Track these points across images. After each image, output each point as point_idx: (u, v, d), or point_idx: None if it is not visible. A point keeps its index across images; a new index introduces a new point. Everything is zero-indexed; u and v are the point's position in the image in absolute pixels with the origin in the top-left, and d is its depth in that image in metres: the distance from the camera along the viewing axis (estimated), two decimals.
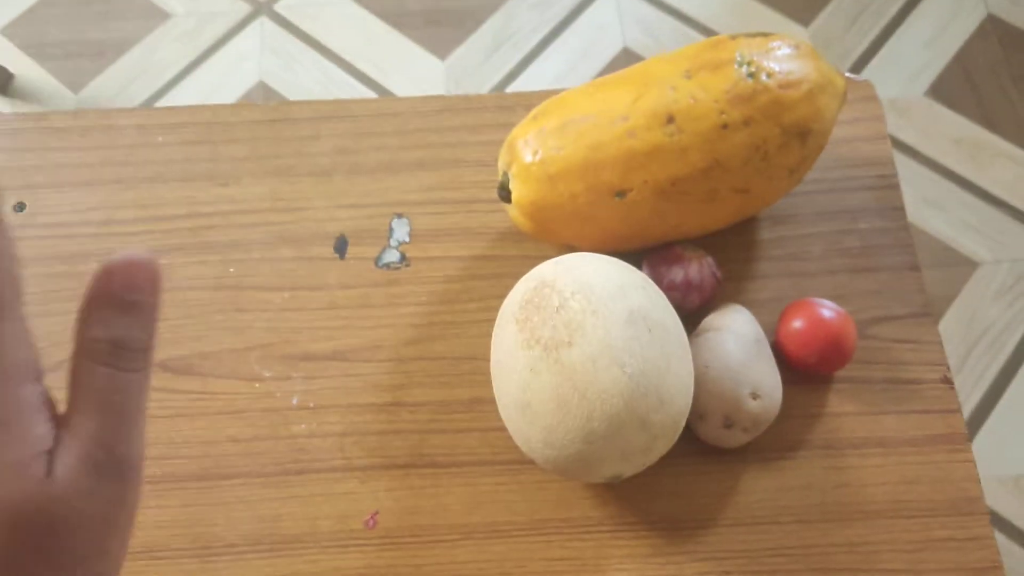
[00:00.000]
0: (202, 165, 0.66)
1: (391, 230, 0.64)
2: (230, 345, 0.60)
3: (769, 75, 0.55)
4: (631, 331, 0.49)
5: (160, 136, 0.67)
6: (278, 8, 1.66)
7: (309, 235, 0.64)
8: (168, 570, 0.54)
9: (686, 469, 0.56)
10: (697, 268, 0.58)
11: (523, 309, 0.51)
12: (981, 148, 1.50)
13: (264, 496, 0.56)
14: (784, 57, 0.56)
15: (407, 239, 0.63)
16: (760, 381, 0.54)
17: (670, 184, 0.55)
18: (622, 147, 0.54)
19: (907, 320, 0.60)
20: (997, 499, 1.25)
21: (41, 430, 0.26)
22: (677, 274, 0.57)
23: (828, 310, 0.56)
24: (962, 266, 1.40)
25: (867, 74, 1.57)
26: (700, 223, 0.57)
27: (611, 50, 1.60)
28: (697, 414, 0.54)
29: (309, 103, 0.69)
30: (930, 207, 1.45)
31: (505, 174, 0.58)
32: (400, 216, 0.64)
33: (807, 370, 0.57)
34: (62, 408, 0.28)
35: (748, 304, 0.61)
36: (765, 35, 0.57)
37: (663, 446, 0.50)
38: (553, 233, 0.58)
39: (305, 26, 1.64)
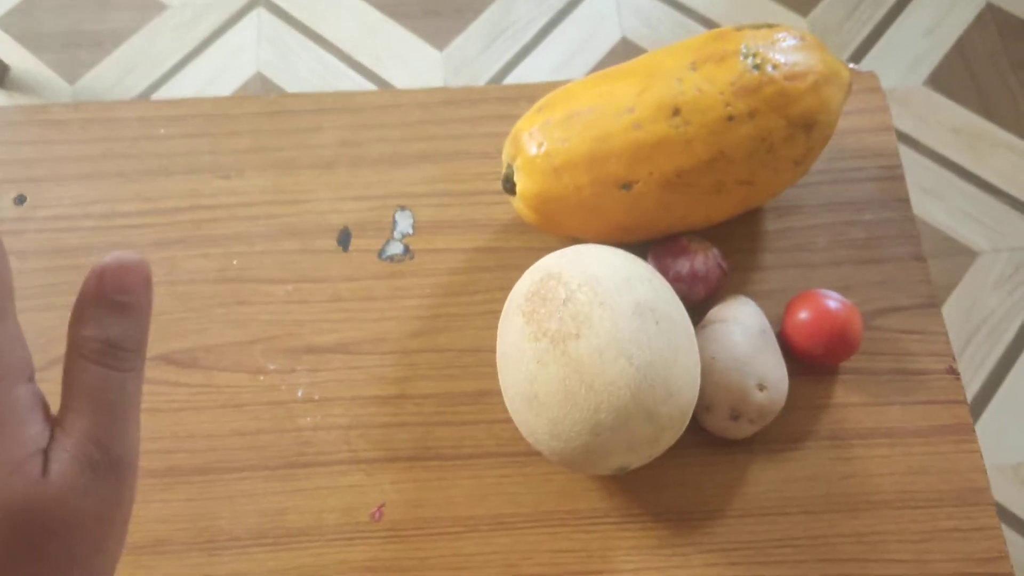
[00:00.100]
0: (204, 158, 0.66)
1: (394, 222, 0.63)
2: (233, 338, 0.60)
3: (775, 67, 0.55)
4: (638, 323, 0.48)
5: (162, 128, 0.67)
6: None
7: (312, 227, 0.63)
8: (173, 564, 0.54)
9: (692, 460, 0.56)
10: (703, 259, 0.57)
11: (529, 301, 0.50)
12: (980, 137, 1.49)
13: (269, 489, 0.56)
14: (789, 48, 0.56)
15: (411, 231, 0.63)
16: (766, 372, 0.54)
17: (676, 176, 0.54)
18: (628, 139, 0.54)
19: (913, 311, 0.59)
20: (996, 487, 1.25)
21: (35, 430, 0.26)
22: (683, 266, 0.57)
23: (834, 301, 0.56)
24: (961, 255, 1.40)
25: (866, 64, 1.57)
26: (705, 215, 0.57)
27: (609, 40, 1.60)
28: (703, 405, 0.54)
29: (311, 95, 0.69)
30: (929, 197, 1.45)
31: (509, 166, 0.58)
32: (403, 208, 0.64)
33: (813, 361, 0.57)
34: (56, 408, 0.28)
35: (753, 295, 0.60)
36: (770, 26, 0.57)
37: (670, 438, 0.50)
38: (558, 225, 0.58)
39: (302, 16, 1.63)
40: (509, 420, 0.57)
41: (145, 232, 0.63)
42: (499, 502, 0.55)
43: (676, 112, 0.54)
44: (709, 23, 1.60)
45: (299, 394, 0.58)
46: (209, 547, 0.54)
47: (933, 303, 0.60)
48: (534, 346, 0.49)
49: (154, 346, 0.60)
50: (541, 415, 0.49)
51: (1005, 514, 1.24)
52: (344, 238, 0.63)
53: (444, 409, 0.58)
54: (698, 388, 0.52)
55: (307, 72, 1.58)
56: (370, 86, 1.56)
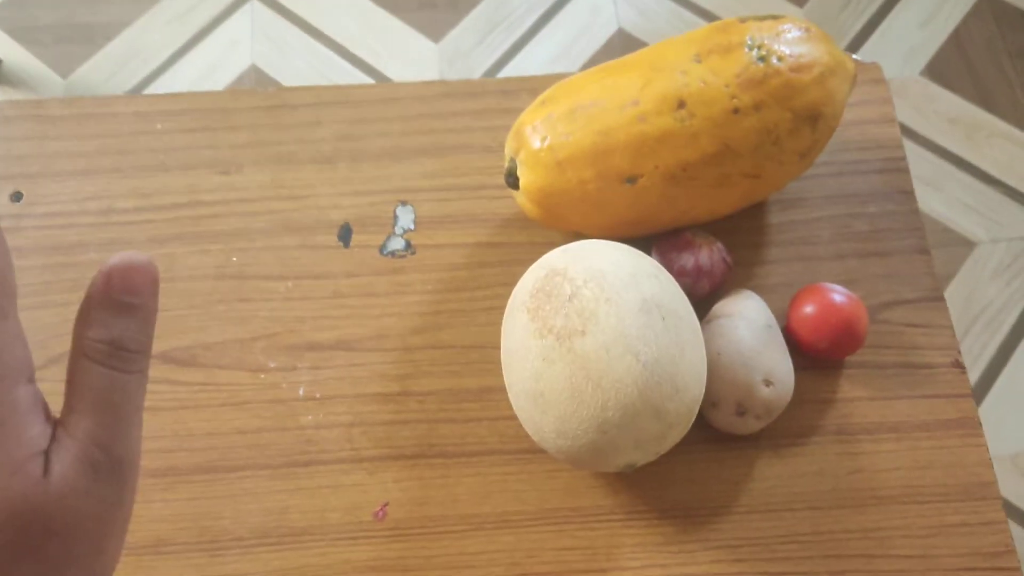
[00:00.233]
0: (202, 152, 0.65)
1: (395, 217, 0.63)
2: (234, 335, 0.59)
3: (780, 59, 0.54)
4: (644, 319, 0.48)
5: (159, 123, 0.66)
6: None
7: (312, 223, 0.63)
8: (176, 564, 0.53)
9: (698, 456, 0.55)
10: (707, 254, 0.57)
11: (534, 298, 0.50)
12: (977, 128, 1.49)
13: (271, 488, 0.55)
14: (794, 40, 0.55)
15: (412, 226, 0.63)
16: (772, 368, 0.53)
17: (680, 169, 0.54)
18: (632, 132, 0.54)
19: (918, 304, 0.59)
20: None
21: (36, 430, 0.26)
22: (687, 260, 0.57)
23: (839, 295, 0.56)
24: (959, 246, 1.40)
25: (863, 54, 1.56)
26: (710, 208, 0.57)
27: (606, 31, 1.59)
28: (709, 401, 0.54)
29: (309, 89, 0.68)
30: (927, 187, 1.45)
31: (512, 160, 0.57)
32: (404, 203, 0.63)
33: (819, 356, 0.56)
34: (58, 407, 0.28)
35: (758, 289, 0.60)
36: (775, 18, 0.56)
37: (677, 434, 0.50)
38: (561, 220, 0.57)
39: (297, 8, 1.62)
40: (513, 417, 0.57)
41: (143, 228, 0.63)
42: (503, 500, 0.55)
43: (681, 105, 0.54)
44: (706, 14, 1.60)
45: (300, 392, 0.58)
46: (211, 547, 0.54)
47: (938, 296, 0.59)
48: (540, 343, 0.49)
49: (154, 344, 0.59)
50: (547, 413, 0.49)
51: (1005, 505, 1.24)
52: (345, 234, 0.62)
53: (447, 406, 0.57)
54: (704, 384, 0.51)
55: (302, 65, 1.57)
56: (366, 78, 1.55)
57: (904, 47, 1.57)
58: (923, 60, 1.56)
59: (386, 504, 0.55)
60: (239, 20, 1.61)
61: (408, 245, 0.62)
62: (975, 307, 1.36)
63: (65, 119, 0.67)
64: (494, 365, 0.58)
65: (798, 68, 0.54)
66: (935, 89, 1.53)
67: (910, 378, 0.57)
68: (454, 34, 1.59)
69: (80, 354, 0.27)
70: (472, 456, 0.56)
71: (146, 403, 0.57)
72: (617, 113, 0.54)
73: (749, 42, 0.55)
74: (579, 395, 0.47)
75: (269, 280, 0.61)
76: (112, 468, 0.27)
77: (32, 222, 0.63)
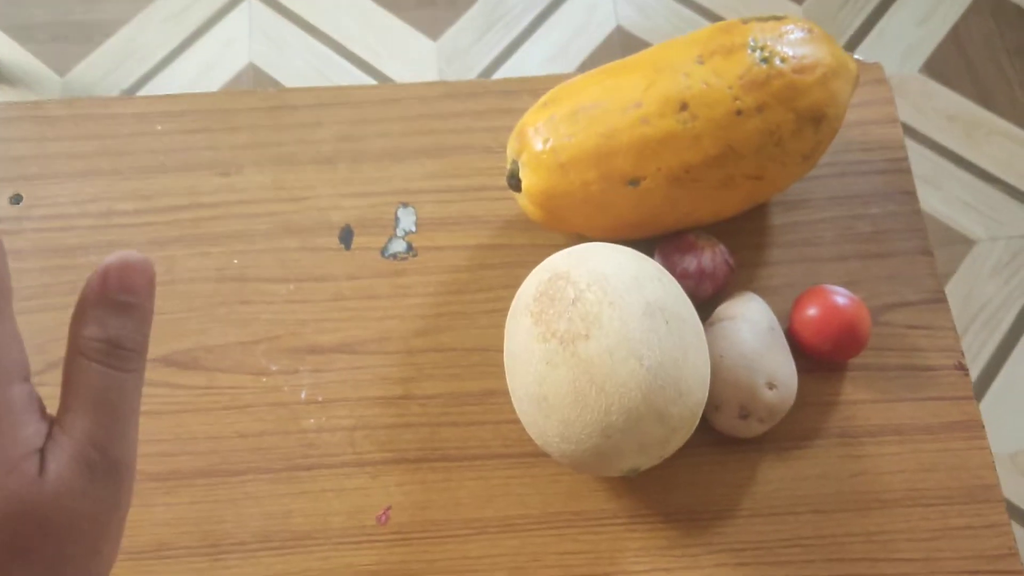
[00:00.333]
0: (202, 154, 0.65)
1: (397, 219, 0.63)
2: (235, 338, 0.59)
3: (783, 60, 0.54)
4: (648, 323, 0.48)
5: (158, 124, 0.66)
6: None
7: (313, 225, 0.62)
8: (177, 569, 0.53)
9: (701, 460, 0.55)
10: (710, 256, 0.57)
11: (537, 301, 0.50)
12: (976, 125, 1.49)
13: (273, 492, 0.55)
14: (797, 41, 0.55)
15: (413, 228, 0.62)
16: (776, 371, 0.53)
17: (684, 171, 0.54)
18: (635, 134, 0.53)
19: (920, 306, 0.59)
20: None
21: (31, 429, 0.26)
22: (690, 263, 0.57)
23: (842, 297, 0.55)
24: (958, 244, 1.40)
25: (861, 52, 1.56)
26: (713, 210, 0.56)
27: (604, 29, 1.59)
28: (712, 404, 0.54)
29: (309, 89, 0.68)
30: (925, 185, 1.44)
31: (514, 162, 0.57)
32: (406, 205, 0.63)
33: (821, 358, 0.56)
34: (54, 409, 0.28)
35: (760, 291, 0.60)
36: (777, 18, 0.56)
37: (681, 438, 0.50)
38: (564, 222, 0.57)
39: (294, 6, 1.62)
40: (515, 420, 0.56)
41: (143, 230, 0.62)
42: (506, 503, 0.55)
43: (684, 107, 0.53)
44: (705, 12, 1.60)
45: (302, 395, 0.57)
46: (213, 551, 0.54)
47: (941, 298, 0.59)
48: (543, 347, 0.48)
49: (154, 347, 0.59)
50: (551, 417, 0.49)
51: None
52: (346, 236, 0.62)
53: (449, 409, 0.57)
54: (708, 387, 0.51)
55: (301, 63, 1.56)
56: (364, 77, 1.55)
57: (902, 45, 1.57)
58: (921, 57, 1.56)
59: (389, 508, 0.55)
60: (237, 18, 1.61)
61: (409, 247, 0.62)
62: (974, 305, 1.36)
63: (64, 120, 0.66)
64: (496, 368, 0.58)
65: (801, 69, 0.54)
66: (934, 86, 1.53)
67: (913, 380, 0.57)
68: (452, 32, 1.59)
69: (76, 353, 0.27)
70: (475, 460, 0.56)
71: (147, 406, 0.57)
72: (620, 115, 0.54)
73: (752, 43, 0.55)
74: (583, 399, 0.47)
75: (270, 282, 0.61)
76: (108, 468, 0.27)
77: (31, 224, 0.63)
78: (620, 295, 0.48)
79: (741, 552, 0.53)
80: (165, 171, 0.64)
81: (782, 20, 0.56)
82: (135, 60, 1.58)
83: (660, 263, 0.58)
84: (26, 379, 0.26)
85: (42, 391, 0.57)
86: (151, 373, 0.58)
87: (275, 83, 1.54)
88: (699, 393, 0.50)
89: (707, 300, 0.58)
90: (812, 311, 0.56)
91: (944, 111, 1.51)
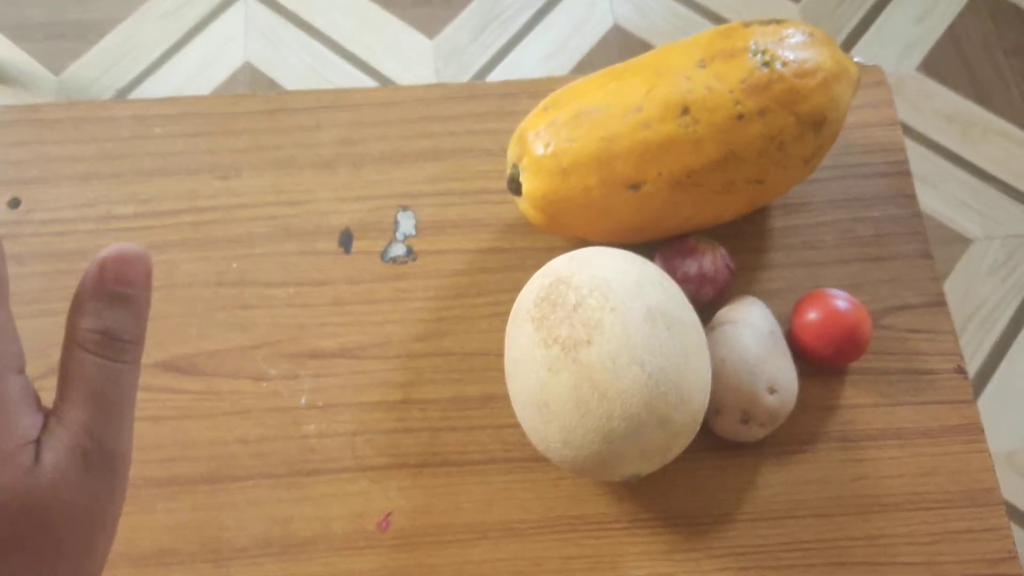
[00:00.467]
0: (201, 157, 0.65)
1: (396, 223, 0.63)
2: (235, 343, 0.59)
3: (784, 64, 0.54)
4: (650, 329, 0.48)
5: (157, 128, 0.66)
6: None
7: (313, 229, 0.62)
8: (179, 575, 0.53)
9: (702, 464, 0.55)
10: (711, 260, 0.57)
11: (539, 307, 0.50)
12: (973, 124, 1.49)
13: (275, 498, 0.55)
14: (798, 45, 0.55)
15: (413, 232, 0.62)
16: (777, 375, 0.53)
17: (685, 176, 0.54)
18: (636, 139, 0.53)
19: (921, 309, 0.59)
20: None
21: (27, 421, 0.26)
22: (691, 266, 0.57)
23: (843, 301, 0.55)
24: (955, 243, 1.41)
25: (858, 50, 1.56)
26: (714, 214, 0.56)
27: (601, 28, 1.59)
28: (713, 409, 0.54)
29: (309, 92, 0.67)
30: (922, 184, 1.45)
31: (515, 166, 0.57)
32: (405, 208, 0.63)
33: (822, 362, 0.56)
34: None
35: (761, 294, 0.60)
36: (778, 22, 0.56)
37: (682, 444, 0.50)
38: (565, 226, 0.57)
39: (290, 4, 1.61)
40: (516, 425, 0.56)
41: (143, 235, 0.62)
42: (508, 508, 0.55)
43: (685, 111, 0.53)
44: (703, 10, 1.59)
45: (303, 400, 0.57)
46: (215, 557, 0.54)
47: (941, 301, 0.59)
48: (545, 353, 0.48)
49: (154, 352, 0.59)
50: (552, 423, 0.49)
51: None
52: (346, 239, 0.62)
53: (450, 414, 0.57)
54: (709, 392, 0.51)
55: (297, 62, 1.56)
56: (361, 75, 1.54)
57: (900, 43, 1.57)
58: (919, 56, 1.56)
59: (390, 513, 0.55)
60: (233, 16, 1.60)
61: (409, 251, 0.62)
62: (970, 304, 1.36)
63: (62, 124, 0.66)
64: (497, 372, 0.58)
65: (802, 73, 0.54)
66: (931, 85, 1.53)
67: (913, 384, 0.57)
68: (449, 30, 1.59)
69: (73, 344, 0.27)
70: (476, 464, 0.56)
71: (148, 412, 0.57)
72: (621, 119, 0.54)
73: (753, 47, 0.54)
74: (584, 405, 0.47)
75: (270, 287, 0.61)
76: (104, 459, 0.27)
77: (30, 229, 0.62)
78: (622, 301, 0.48)
79: (742, 556, 0.53)
80: (164, 175, 0.64)
81: (783, 24, 0.56)
82: (131, 59, 1.57)
83: (660, 267, 0.58)
84: (21, 371, 0.26)
85: (42, 395, 0.57)
86: (151, 379, 0.58)
87: (271, 81, 1.54)
88: (701, 398, 0.50)
89: (708, 304, 0.58)
90: (813, 315, 0.56)
91: (941, 110, 1.51)
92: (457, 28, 1.59)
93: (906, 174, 0.63)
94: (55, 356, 0.59)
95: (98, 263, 0.27)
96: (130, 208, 0.63)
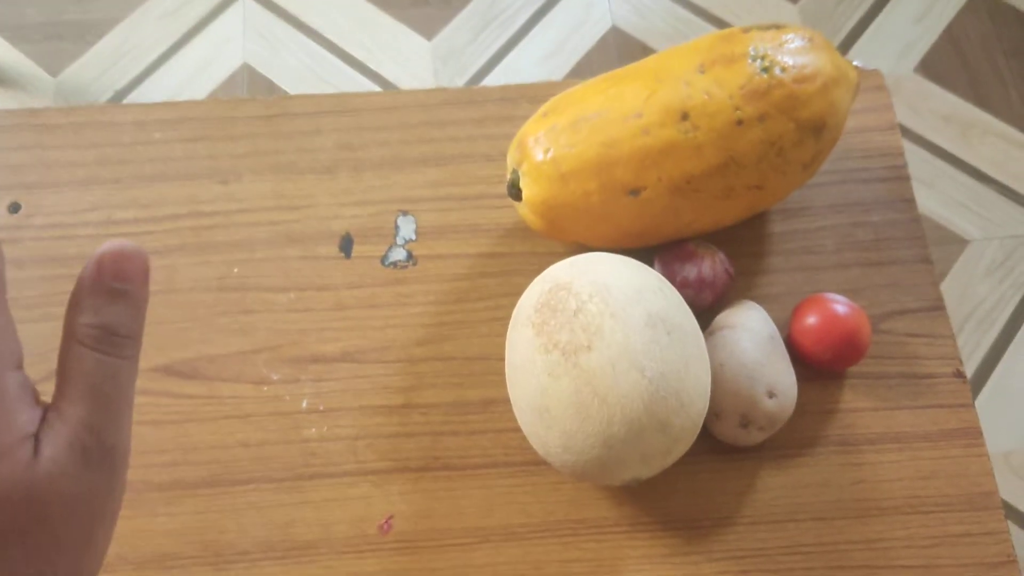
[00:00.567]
0: (202, 162, 0.65)
1: (397, 228, 0.63)
2: (236, 348, 0.59)
3: (783, 69, 0.54)
4: (650, 334, 0.48)
5: (157, 132, 0.66)
6: None
7: (314, 234, 0.62)
8: None
9: (702, 468, 0.56)
10: (710, 265, 0.57)
11: (539, 312, 0.50)
12: (971, 125, 1.50)
13: (276, 502, 0.55)
14: (798, 50, 0.55)
15: (413, 237, 0.62)
16: (776, 379, 0.54)
17: (685, 182, 0.54)
18: (636, 144, 0.54)
19: (920, 314, 0.59)
20: None
21: (25, 416, 0.26)
22: (690, 271, 0.57)
23: (842, 306, 0.56)
24: (952, 244, 1.41)
25: (856, 50, 1.56)
26: (714, 220, 0.57)
27: (599, 29, 1.59)
28: (713, 413, 0.54)
29: (309, 97, 0.67)
30: (920, 185, 1.45)
31: (515, 171, 0.57)
32: (405, 213, 0.63)
33: (821, 367, 0.57)
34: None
35: (760, 299, 0.60)
36: (778, 27, 0.56)
37: (682, 448, 0.50)
38: (564, 231, 0.57)
39: (288, 5, 1.61)
40: (517, 429, 0.57)
41: (143, 239, 0.62)
42: (509, 512, 0.55)
43: (685, 117, 0.54)
44: (700, 11, 1.60)
45: (304, 404, 0.58)
46: (217, 561, 0.54)
47: (940, 306, 0.60)
48: (545, 358, 0.49)
49: (155, 357, 0.59)
50: (553, 428, 0.49)
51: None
52: (346, 244, 0.62)
53: (451, 418, 0.57)
54: (709, 397, 0.51)
55: (295, 63, 1.56)
56: (359, 76, 1.54)
57: (898, 43, 1.57)
58: (917, 56, 1.56)
59: (391, 517, 0.55)
60: (231, 17, 1.60)
61: (410, 256, 0.62)
62: (968, 305, 1.37)
63: (62, 128, 0.66)
64: (497, 376, 0.58)
65: (801, 79, 0.54)
66: (929, 86, 1.53)
67: (912, 388, 0.57)
68: (447, 31, 1.59)
69: (72, 340, 0.27)
70: (477, 468, 0.56)
71: (149, 416, 0.57)
72: (620, 125, 0.54)
73: (752, 52, 0.55)
74: (585, 410, 0.47)
75: (271, 291, 0.61)
76: (103, 453, 0.27)
77: (30, 233, 0.62)
78: (622, 306, 0.48)
79: (742, 560, 0.53)
80: (164, 179, 0.64)
81: (782, 29, 0.56)
82: (129, 60, 1.57)
83: (660, 272, 0.58)
84: (19, 367, 0.27)
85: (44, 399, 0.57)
86: (153, 383, 0.58)
87: (269, 83, 1.54)
88: (700, 403, 0.50)
89: (707, 308, 0.58)
90: (812, 320, 0.56)
91: (939, 111, 1.51)
92: (455, 29, 1.59)
93: (905, 179, 0.63)
94: (55, 361, 0.59)
95: (96, 259, 0.27)
96: (130, 213, 0.63)
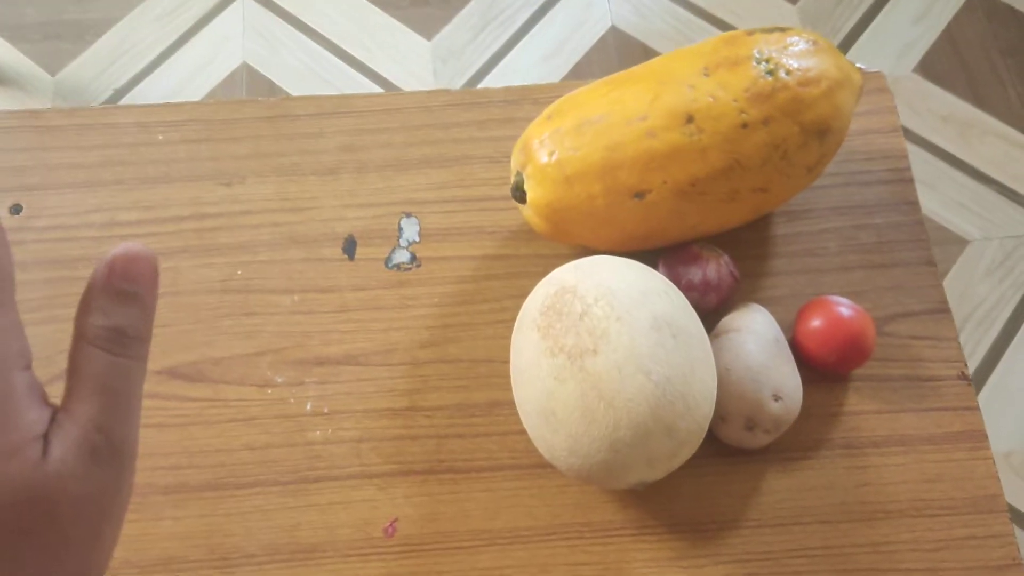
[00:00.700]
0: (205, 164, 0.65)
1: (400, 230, 0.63)
2: (241, 350, 0.59)
3: (788, 72, 0.54)
4: (656, 337, 0.48)
5: (160, 134, 0.66)
6: None
7: (317, 236, 0.62)
8: None
9: (707, 471, 0.56)
10: (715, 268, 0.57)
11: (545, 316, 0.50)
12: (970, 125, 1.50)
13: (281, 505, 0.55)
14: (802, 53, 0.55)
15: (417, 239, 0.62)
16: (781, 382, 0.54)
17: (690, 185, 0.54)
18: (641, 147, 0.54)
19: (924, 316, 0.59)
20: None
21: (34, 415, 0.26)
22: (695, 274, 0.57)
23: (846, 308, 0.56)
24: (952, 244, 1.41)
25: (856, 51, 1.56)
26: (719, 222, 0.57)
27: (599, 28, 1.59)
28: (718, 416, 0.54)
29: (311, 98, 0.67)
30: (919, 185, 1.45)
31: (519, 174, 0.57)
32: (409, 215, 0.63)
33: (826, 369, 0.57)
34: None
35: (764, 301, 0.60)
36: (782, 30, 0.56)
37: (688, 452, 0.50)
38: (569, 234, 0.57)
39: (288, 5, 1.61)
40: (522, 432, 0.57)
41: (147, 241, 0.62)
42: (514, 515, 0.55)
43: (689, 120, 0.53)
44: (699, 11, 1.60)
45: (308, 407, 0.57)
46: (222, 564, 0.54)
47: (944, 308, 0.60)
48: (551, 362, 0.49)
49: (159, 359, 0.59)
50: (559, 431, 0.49)
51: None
52: (350, 246, 0.62)
53: (456, 421, 0.57)
54: (714, 401, 0.51)
55: (295, 62, 1.56)
56: (359, 76, 1.54)
57: (898, 44, 1.57)
58: (916, 57, 1.56)
59: (396, 520, 0.55)
60: (230, 16, 1.60)
61: (414, 258, 0.62)
62: (967, 305, 1.37)
63: (64, 129, 0.66)
64: (502, 379, 0.58)
65: (806, 82, 0.54)
66: (928, 87, 1.53)
67: (917, 391, 0.57)
68: (447, 31, 1.59)
69: (82, 340, 0.28)
70: (482, 471, 0.56)
71: (154, 419, 0.57)
72: (625, 128, 0.54)
73: (757, 55, 0.55)
74: (591, 414, 0.47)
75: (275, 294, 0.61)
76: (112, 453, 0.27)
77: (33, 235, 0.62)
78: (628, 310, 0.48)
79: (748, 563, 0.53)
80: (167, 181, 0.64)
81: (787, 32, 0.56)
82: (128, 59, 1.57)
83: (664, 275, 0.58)
84: (27, 367, 0.27)
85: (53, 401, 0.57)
86: (157, 386, 0.58)
87: (269, 82, 1.54)
88: (706, 407, 0.50)
89: (711, 311, 0.58)
90: (816, 323, 0.56)
91: (938, 111, 1.51)
92: (455, 29, 1.59)
93: (908, 181, 0.63)
94: (61, 363, 0.59)
95: (107, 262, 0.28)
96: (133, 215, 0.63)
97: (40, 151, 0.65)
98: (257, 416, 0.57)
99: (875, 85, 0.66)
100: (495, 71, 1.55)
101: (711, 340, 0.56)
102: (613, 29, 1.58)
